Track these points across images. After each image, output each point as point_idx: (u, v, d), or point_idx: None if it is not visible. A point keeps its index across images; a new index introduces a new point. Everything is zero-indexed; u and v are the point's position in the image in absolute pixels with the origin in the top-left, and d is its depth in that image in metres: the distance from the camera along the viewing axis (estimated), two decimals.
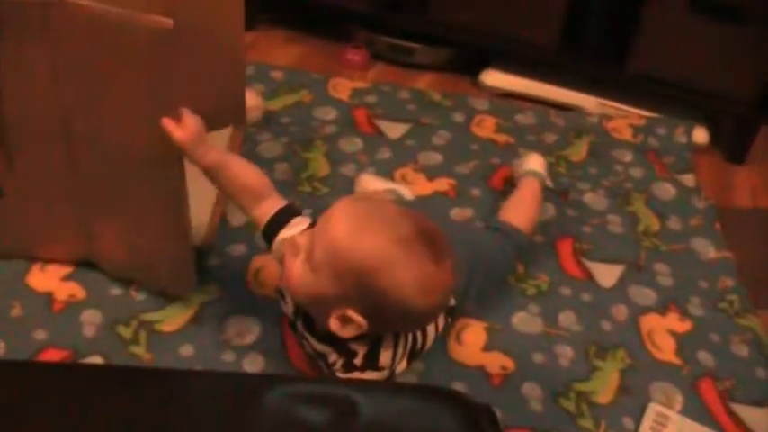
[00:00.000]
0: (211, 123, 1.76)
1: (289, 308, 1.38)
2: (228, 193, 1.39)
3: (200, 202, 1.57)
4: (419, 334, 1.38)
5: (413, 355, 1.38)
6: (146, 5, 1.36)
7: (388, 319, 1.24)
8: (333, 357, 1.32)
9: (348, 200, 1.26)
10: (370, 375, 1.29)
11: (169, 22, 1.21)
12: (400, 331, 1.31)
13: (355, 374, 1.29)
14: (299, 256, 1.24)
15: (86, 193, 1.45)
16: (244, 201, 1.38)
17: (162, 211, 1.42)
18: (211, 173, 1.36)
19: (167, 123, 1.29)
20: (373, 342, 1.29)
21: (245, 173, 1.38)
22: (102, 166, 1.40)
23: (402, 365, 1.36)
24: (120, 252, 1.51)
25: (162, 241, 1.45)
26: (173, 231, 1.44)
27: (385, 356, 1.30)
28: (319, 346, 1.33)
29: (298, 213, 1.37)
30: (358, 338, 1.27)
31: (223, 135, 1.83)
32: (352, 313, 1.21)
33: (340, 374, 1.30)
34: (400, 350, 1.32)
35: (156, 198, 1.40)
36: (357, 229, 1.19)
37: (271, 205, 1.37)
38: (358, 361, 1.29)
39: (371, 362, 1.29)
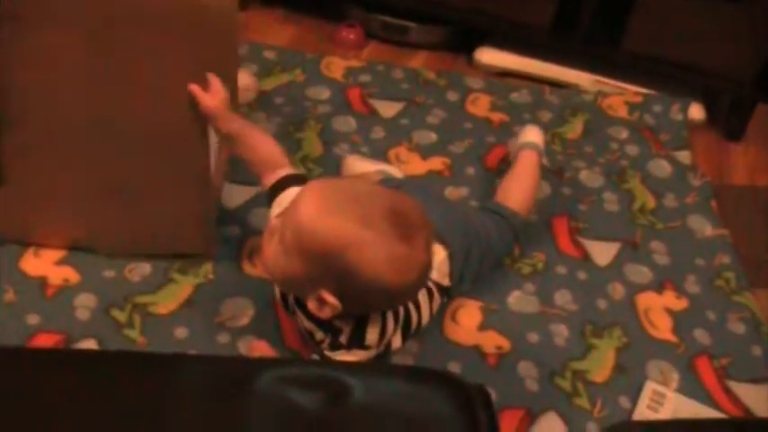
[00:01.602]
0: None
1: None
2: (246, 160, 1.44)
3: None
4: (413, 311, 1.37)
5: (407, 333, 1.37)
6: None
7: (363, 299, 1.23)
8: (319, 335, 1.31)
9: (318, 181, 1.25)
10: (356, 355, 1.29)
11: None
12: (381, 310, 1.30)
13: (341, 353, 1.28)
14: (273, 238, 1.24)
15: (97, 174, 1.47)
16: (260, 169, 1.42)
17: (184, 177, 1.47)
18: (231, 141, 1.44)
19: (196, 90, 1.36)
20: (358, 320, 1.28)
21: (262, 143, 1.43)
22: (125, 143, 1.43)
23: (396, 343, 1.35)
24: (125, 229, 1.52)
25: (182, 206, 1.49)
26: (195, 194, 1.49)
27: (371, 334, 1.29)
28: (307, 323, 1.33)
29: (298, 182, 1.37)
30: (343, 316, 1.26)
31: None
32: (325, 294, 1.20)
33: (327, 353, 1.30)
34: (389, 327, 1.31)
35: (180, 165, 1.45)
36: (322, 209, 1.17)
37: (282, 175, 1.39)
38: (344, 339, 1.28)
39: (357, 340, 1.28)
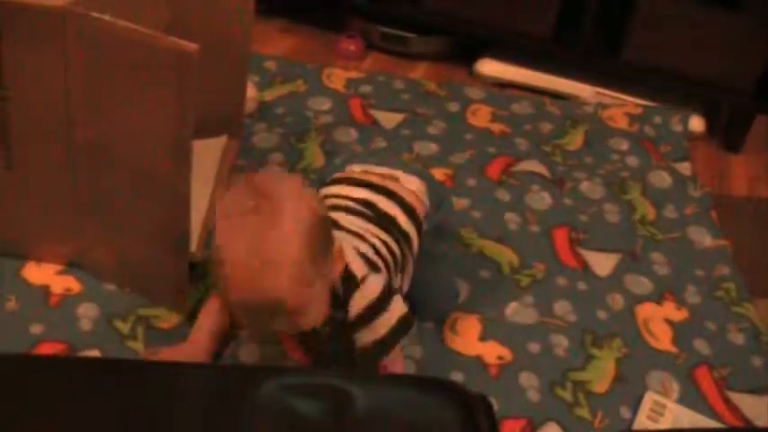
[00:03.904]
0: (207, 130, 1.77)
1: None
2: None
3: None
4: (378, 239, 1.36)
5: (396, 258, 1.37)
6: (152, 15, 1.36)
7: (322, 232, 1.22)
8: (339, 315, 1.28)
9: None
10: (369, 290, 1.27)
11: (194, 45, 1.21)
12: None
13: (358, 301, 1.27)
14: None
15: (83, 196, 1.46)
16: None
17: (162, 224, 1.42)
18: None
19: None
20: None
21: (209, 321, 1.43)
22: (105, 174, 1.41)
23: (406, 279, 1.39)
24: (111, 256, 1.51)
25: (159, 252, 1.45)
26: (171, 245, 1.43)
27: (354, 264, 1.28)
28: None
29: None
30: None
31: (218, 143, 1.83)
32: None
33: (354, 323, 1.28)
34: (368, 252, 1.32)
35: (158, 210, 1.40)
36: (269, 268, 1.15)
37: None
38: (341, 291, 1.27)
39: (348, 280, 1.27)
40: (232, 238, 1.18)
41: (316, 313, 1.23)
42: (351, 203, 1.39)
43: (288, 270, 1.15)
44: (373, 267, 1.30)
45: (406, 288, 1.41)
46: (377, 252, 1.33)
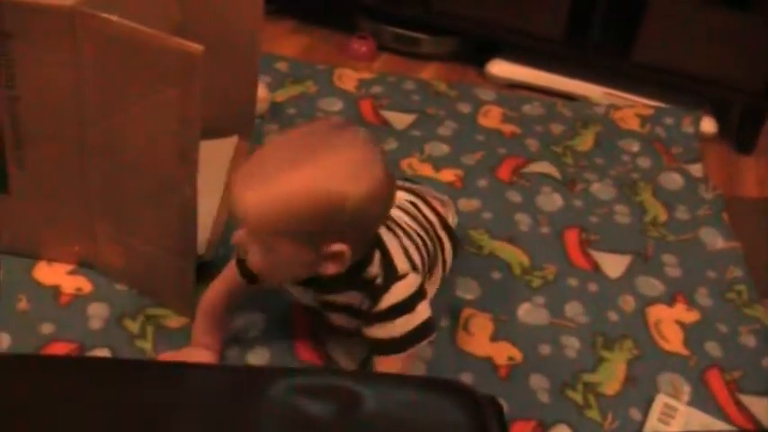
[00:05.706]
0: (218, 131, 1.77)
1: (296, 290, 1.35)
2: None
3: (200, 219, 1.56)
4: (419, 237, 1.37)
5: (429, 259, 1.38)
6: (163, 15, 1.36)
7: (354, 223, 1.16)
8: (365, 304, 1.26)
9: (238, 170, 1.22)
10: (406, 286, 1.25)
11: (200, 47, 1.20)
12: (375, 229, 1.24)
13: (392, 297, 1.24)
14: (252, 251, 1.19)
15: (93, 196, 1.46)
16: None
17: (169, 226, 1.41)
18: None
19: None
20: (380, 256, 1.25)
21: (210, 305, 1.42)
22: (113, 174, 1.41)
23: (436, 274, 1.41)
24: (120, 257, 1.51)
25: (166, 254, 1.44)
26: (178, 247, 1.43)
27: (398, 259, 1.26)
28: (342, 299, 1.28)
29: None
30: (361, 266, 1.23)
31: (228, 144, 1.83)
32: (330, 248, 1.15)
33: (378, 315, 1.25)
34: (410, 249, 1.30)
35: (165, 212, 1.40)
36: (256, 183, 1.14)
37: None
38: (380, 280, 1.24)
39: (391, 272, 1.25)
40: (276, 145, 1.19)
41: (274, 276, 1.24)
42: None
43: (294, 196, 1.12)
44: (414, 267, 1.29)
45: (430, 295, 1.37)
46: (417, 249, 1.34)
